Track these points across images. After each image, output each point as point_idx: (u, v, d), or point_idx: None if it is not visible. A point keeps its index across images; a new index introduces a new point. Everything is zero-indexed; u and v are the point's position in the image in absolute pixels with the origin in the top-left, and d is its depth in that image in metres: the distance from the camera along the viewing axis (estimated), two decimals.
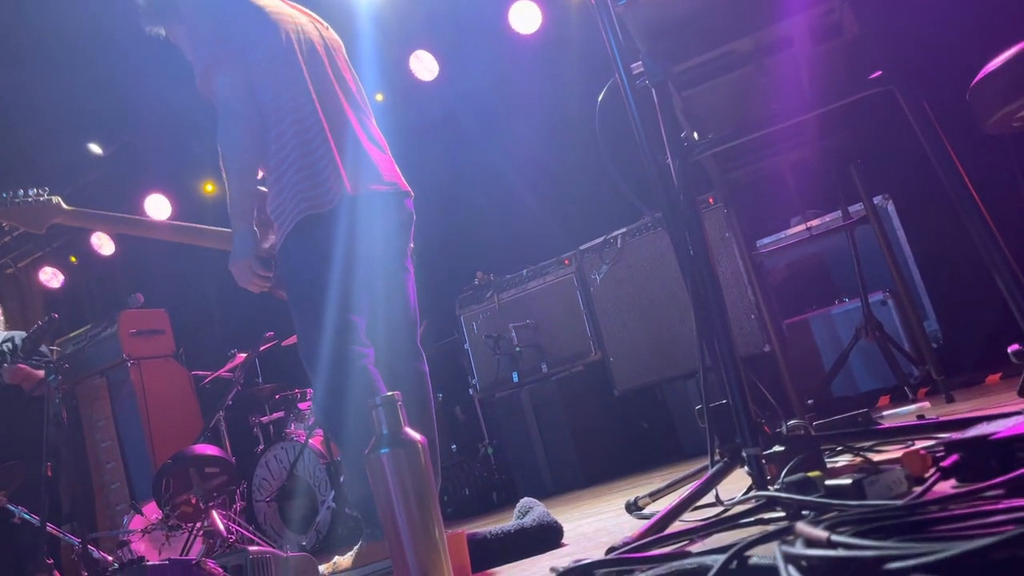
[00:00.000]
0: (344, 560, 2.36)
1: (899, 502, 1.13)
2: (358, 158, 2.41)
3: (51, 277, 7.14)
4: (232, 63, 2.32)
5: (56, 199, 2.45)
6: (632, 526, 1.88)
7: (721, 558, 0.95)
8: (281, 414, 5.28)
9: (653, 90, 1.95)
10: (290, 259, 2.34)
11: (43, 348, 4.40)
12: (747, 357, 4.08)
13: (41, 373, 4.34)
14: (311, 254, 2.28)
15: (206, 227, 2.66)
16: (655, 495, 2.12)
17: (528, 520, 2.06)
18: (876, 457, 1.62)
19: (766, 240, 4.67)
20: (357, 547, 2.37)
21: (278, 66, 2.37)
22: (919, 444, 1.64)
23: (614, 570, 1.16)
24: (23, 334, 4.66)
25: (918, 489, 1.26)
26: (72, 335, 5.70)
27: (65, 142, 6.26)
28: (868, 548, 0.75)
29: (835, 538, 0.80)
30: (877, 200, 4.16)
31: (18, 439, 4.31)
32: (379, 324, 2.41)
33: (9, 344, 4.61)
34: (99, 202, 6.21)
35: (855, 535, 0.82)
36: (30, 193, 2.41)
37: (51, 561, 3.89)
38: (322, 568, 2.39)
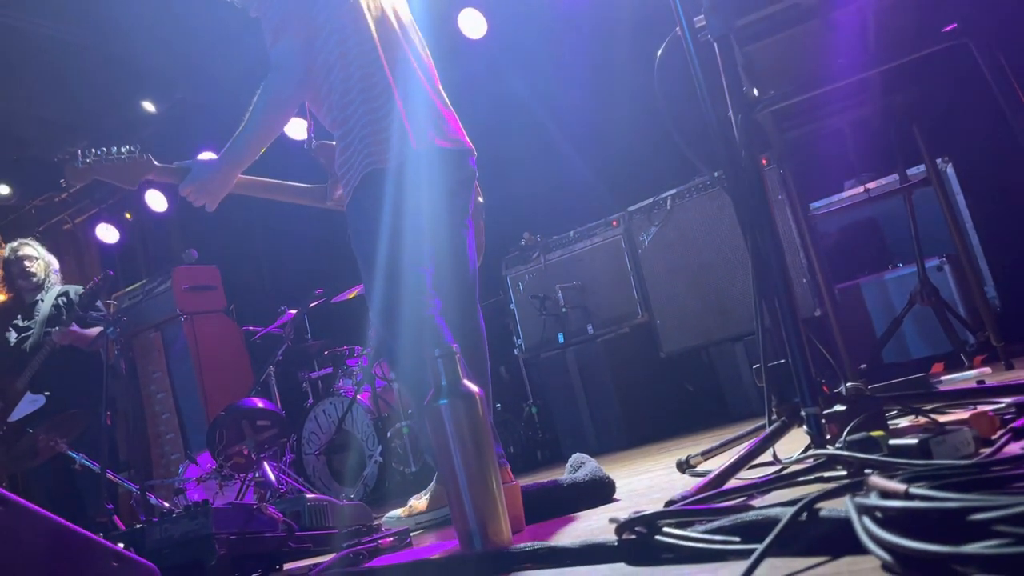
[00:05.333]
0: (419, 503, 2.42)
1: (969, 461, 1.12)
2: (424, 113, 2.43)
3: (107, 233, 7.30)
4: (299, 24, 2.36)
5: (147, 156, 2.56)
6: (684, 483, 1.88)
7: (790, 510, 0.95)
8: (329, 370, 5.38)
9: (715, 44, 1.91)
10: (358, 213, 2.38)
11: (99, 303, 4.51)
12: None
13: (91, 332, 4.47)
14: (376, 208, 2.31)
15: (285, 183, 2.71)
16: (707, 454, 2.12)
17: (580, 475, 2.07)
18: (940, 419, 1.59)
19: (818, 203, 4.58)
20: (431, 490, 2.44)
21: (345, 23, 2.39)
22: (983, 407, 1.61)
23: (675, 521, 1.16)
24: (79, 288, 4.78)
25: (987, 450, 1.24)
26: (128, 289, 5.84)
27: (119, 100, 6.34)
28: (950, 500, 0.74)
29: (914, 490, 0.79)
30: (937, 163, 4.04)
31: (79, 389, 4.44)
32: (443, 280, 2.43)
33: (64, 298, 4.72)
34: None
35: (932, 489, 0.81)
36: (123, 150, 2.51)
37: (111, 506, 4.03)
38: (399, 512, 2.46)
